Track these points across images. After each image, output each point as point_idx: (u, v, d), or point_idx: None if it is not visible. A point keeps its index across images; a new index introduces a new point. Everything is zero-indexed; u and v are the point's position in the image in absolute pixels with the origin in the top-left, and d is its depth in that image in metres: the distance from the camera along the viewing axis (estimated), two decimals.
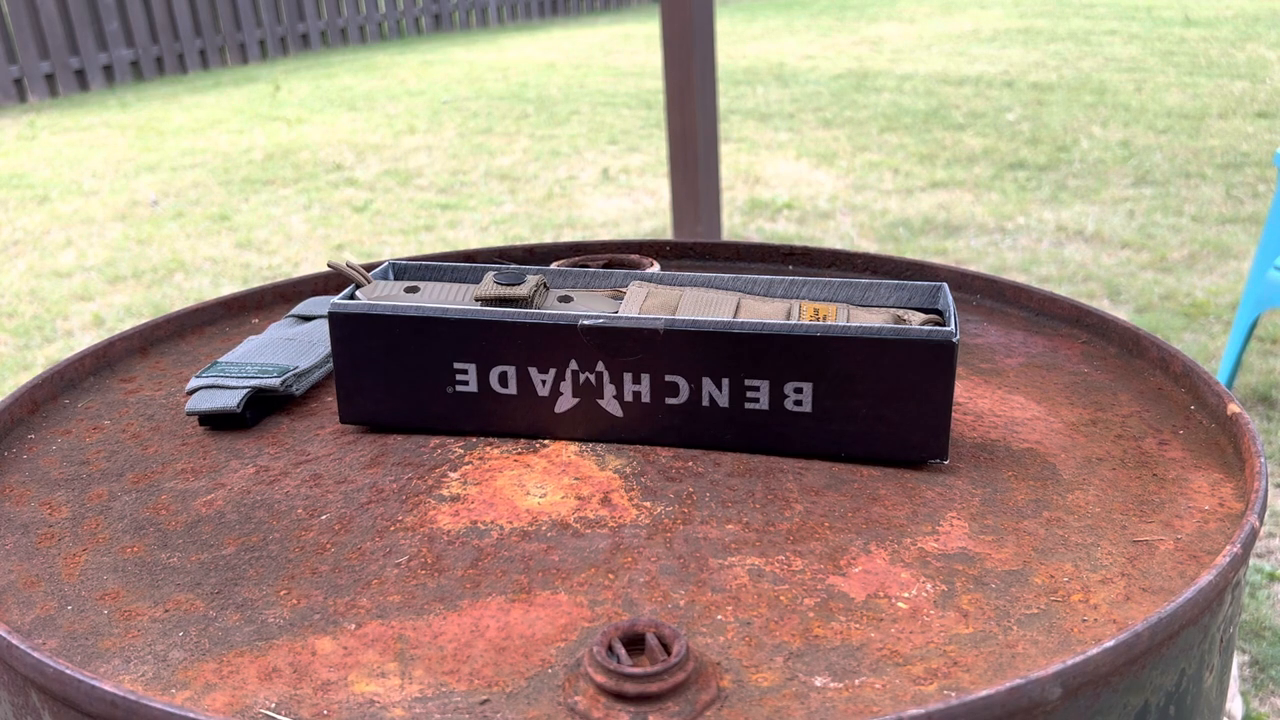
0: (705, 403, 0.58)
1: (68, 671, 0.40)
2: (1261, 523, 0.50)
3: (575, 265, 0.82)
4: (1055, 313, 0.77)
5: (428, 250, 3.23)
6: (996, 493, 0.56)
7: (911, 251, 3.03)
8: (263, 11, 6.96)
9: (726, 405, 0.58)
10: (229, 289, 2.97)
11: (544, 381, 0.60)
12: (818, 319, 0.59)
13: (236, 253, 3.28)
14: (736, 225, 3.34)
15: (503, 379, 0.60)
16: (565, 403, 0.60)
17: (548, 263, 0.90)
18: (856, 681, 0.42)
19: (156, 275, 3.11)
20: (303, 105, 5.45)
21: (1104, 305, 2.63)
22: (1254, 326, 2.11)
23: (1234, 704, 1.38)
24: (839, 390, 0.57)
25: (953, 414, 0.64)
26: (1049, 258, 2.96)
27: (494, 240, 3.32)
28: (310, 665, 0.44)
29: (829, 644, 0.44)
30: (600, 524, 0.53)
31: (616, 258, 0.84)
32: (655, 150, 4.28)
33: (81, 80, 6.12)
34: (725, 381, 0.58)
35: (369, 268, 0.79)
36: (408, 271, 0.67)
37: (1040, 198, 3.50)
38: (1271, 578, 1.63)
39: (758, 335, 0.57)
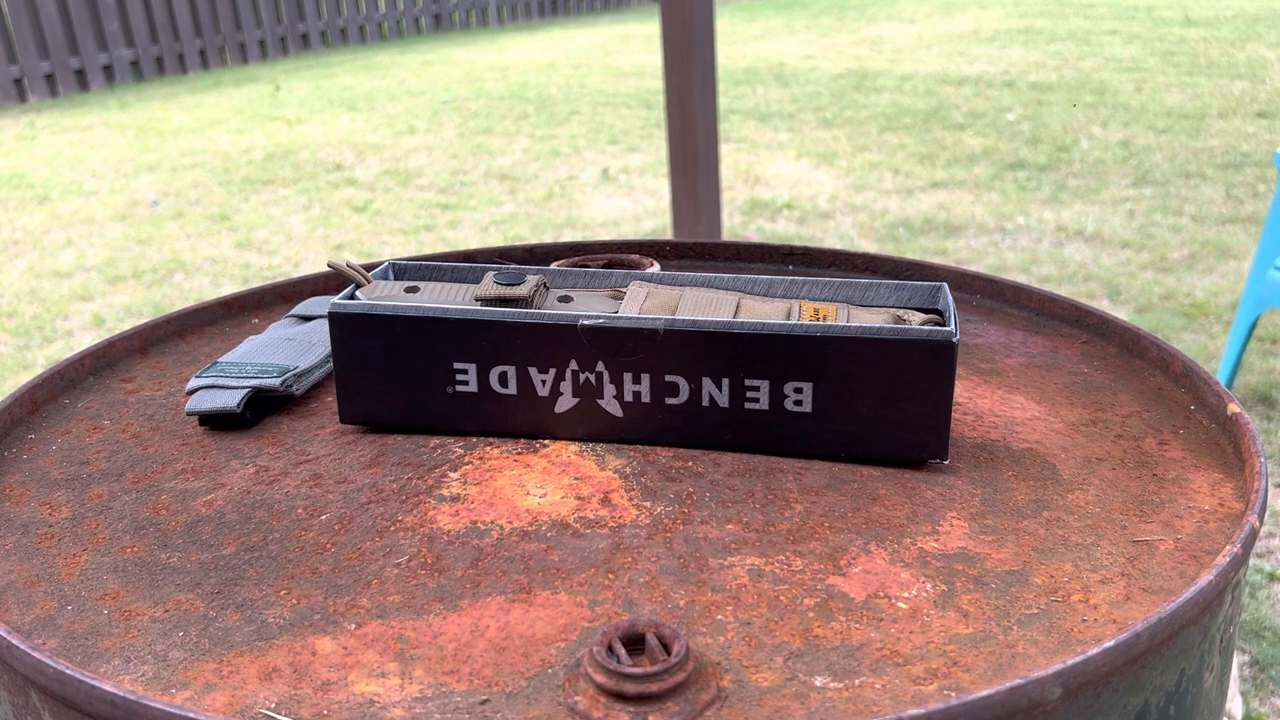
0: (705, 403, 0.58)
1: (68, 671, 0.40)
2: (1261, 523, 0.50)
3: (575, 265, 0.82)
4: (1055, 313, 0.77)
5: (428, 250, 3.23)
6: (996, 493, 0.56)
7: (911, 251, 3.03)
8: (263, 11, 6.96)
9: (726, 405, 0.58)
10: (229, 289, 2.97)
11: (544, 381, 0.60)
12: (818, 319, 0.59)
13: (236, 253, 3.28)
14: (736, 225, 3.34)
15: (503, 379, 0.60)
16: (565, 403, 0.60)
17: (548, 263, 0.90)
18: (856, 681, 0.42)
19: (156, 275, 3.11)
20: (303, 105, 5.45)
21: (1104, 305, 2.63)
22: (1254, 326, 2.11)
23: (1234, 704, 1.38)
24: (839, 390, 0.57)
25: (953, 414, 0.64)
26: (1049, 258, 2.96)
27: (494, 240, 3.32)
28: (310, 665, 0.44)
29: (829, 644, 0.44)
30: (600, 524, 0.53)
31: (616, 258, 0.84)
32: (655, 150, 4.28)
33: (81, 80, 6.12)
34: (725, 381, 0.58)
35: (369, 268, 0.79)
36: (408, 271, 0.67)
37: (1040, 198, 3.50)
38: (1271, 578, 1.63)
39: (758, 335, 0.57)
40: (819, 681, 0.42)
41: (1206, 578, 0.44)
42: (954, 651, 0.44)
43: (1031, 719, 0.39)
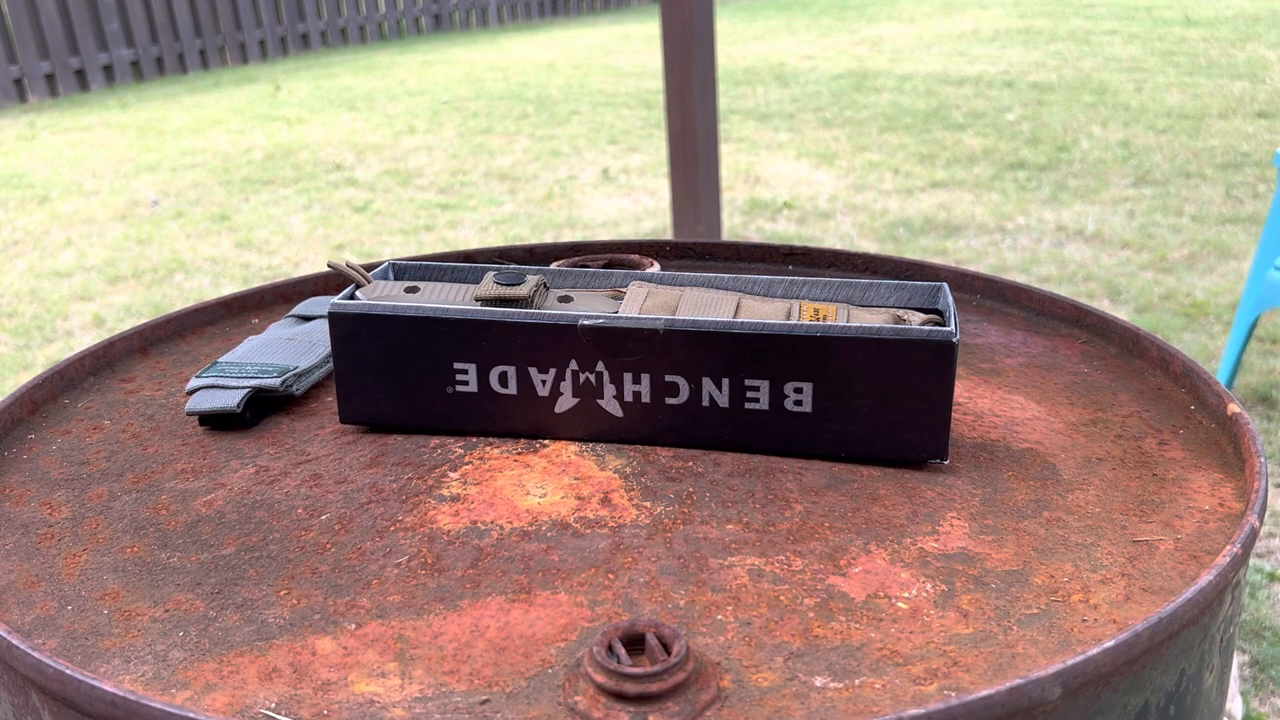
0: (705, 403, 0.58)
1: (68, 671, 0.40)
2: (1261, 523, 0.50)
3: (575, 265, 0.82)
4: (1055, 313, 0.77)
5: (428, 250, 3.23)
6: (996, 493, 0.56)
7: (911, 251, 3.03)
8: (263, 11, 6.96)
9: (726, 405, 0.58)
10: (229, 289, 2.97)
11: (544, 381, 0.60)
12: (818, 319, 0.59)
13: (236, 253, 3.28)
14: (736, 225, 3.34)
15: (503, 379, 0.60)
16: (565, 403, 0.60)
17: (548, 263, 0.90)
18: (856, 681, 0.42)
19: (156, 275, 3.11)
20: (303, 105, 5.45)
21: (1104, 305, 2.63)
22: (1254, 326, 2.11)
23: (1234, 704, 1.38)
24: (839, 390, 0.57)
25: (953, 414, 0.64)
26: (1049, 258, 2.96)
27: (494, 240, 3.32)
28: (310, 665, 0.44)
29: (829, 644, 0.44)
30: (600, 524, 0.53)
31: (616, 258, 0.84)
32: (655, 150, 4.28)
33: (81, 80, 6.12)
34: (725, 381, 0.58)
35: (369, 268, 0.79)
36: (408, 271, 0.67)
37: (1040, 198, 3.50)
38: (1271, 578, 1.63)
39: (758, 335, 0.57)
40: (819, 681, 0.42)
41: (1206, 578, 0.44)
42: (954, 651, 0.44)
43: (1031, 719, 0.39)
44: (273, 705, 0.42)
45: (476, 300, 0.61)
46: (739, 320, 0.57)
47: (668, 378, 0.58)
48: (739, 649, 0.44)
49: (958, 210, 3.40)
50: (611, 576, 0.49)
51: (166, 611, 0.48)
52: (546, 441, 0.61)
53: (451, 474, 0.58)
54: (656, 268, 0.81)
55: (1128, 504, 0.54)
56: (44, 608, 0.48)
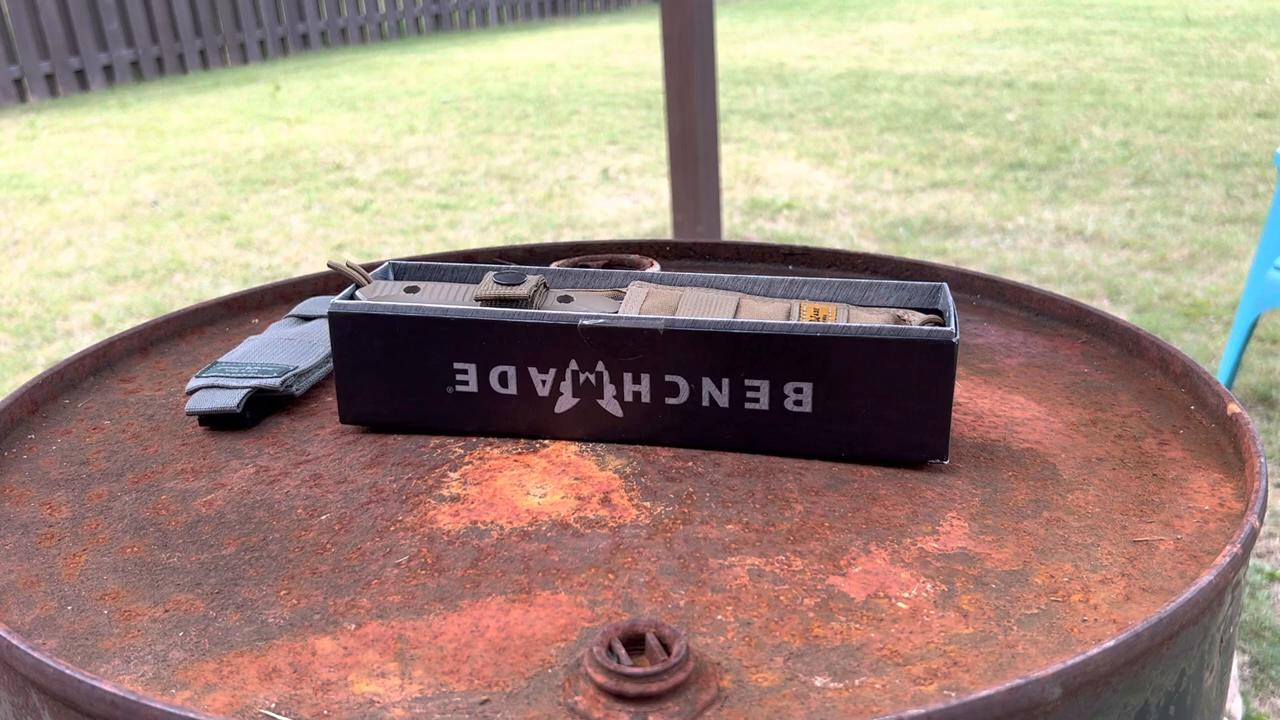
0: (705, 403, 0.58)
1: (68, 671, 0.40)
2: (1261, 523, 0.50)
3: (575, 265, 0.82)
4: (1055, 313, 0.77)
5: (428, 250, 3.23)
6: (996, 493, 0.56)
7: (911, 251, 3.03)
8: (263, 11, 6.96)
9: (726, 405, 0.58)
10: (229, 289, 2.97)
11: (544, 381, 0.60)
12: (818, 319, 0.59)
13: (236, 253, 3.28)
14: (736, 225, 3.34)
15: (503, 379, 0.60)
16: (565, 403, 0.60)
17: (548, 263, 0.90)
18: (856, 681, 0.42)
19: (156, 275, 3.11)
20: (303, 105, 5.45)
21: (1104, 305, 2.63)
22: (1254, 326, 2.11)
23: (1234, 704, 1.38)
24: (839, 390, 0.57)
25: (953, 414, 0.64)
26: (1049, 258, 2.96)
27: (494, 240, 3.32)
28: (310, 665, 0.44)
29: (829, 644, 0.44)
30: (600, 524, 0.53)
31: (616, 258, 0.84)
32: (655, 150, 4.28)
33: (81, 80, 6.12)
34: (725, 381, 0.58)
35: (369, 268, 0.79)
36: (408, 271, 0.67)
37: (1040, 198, 3.50)
38: (1271, 578, 1.63)
39: (758, 335, 0.57)
40: (819, 681, 0.42)
41: (1206, 578, 0.44)
42: (954, 651, 0.44)
43: (1031, 719, 0.39)
44: (273, 705, 0.42)
45: (476, 300, 0.61)
46: (739, 320, 0.57)
47: (668, 378, 0.58)
48: (739, 649, 0.44)
49: (958, 210, 3.40)
50: (611, 576, 0.49)
51: (166, 611, 0.48)
52: (546, 441, 0.61)
53: (451, 474, 0.58)
54: (656, 268, 0.81)
55: (1128, 504, 0.54)
56: (44, 608, 0.48)
